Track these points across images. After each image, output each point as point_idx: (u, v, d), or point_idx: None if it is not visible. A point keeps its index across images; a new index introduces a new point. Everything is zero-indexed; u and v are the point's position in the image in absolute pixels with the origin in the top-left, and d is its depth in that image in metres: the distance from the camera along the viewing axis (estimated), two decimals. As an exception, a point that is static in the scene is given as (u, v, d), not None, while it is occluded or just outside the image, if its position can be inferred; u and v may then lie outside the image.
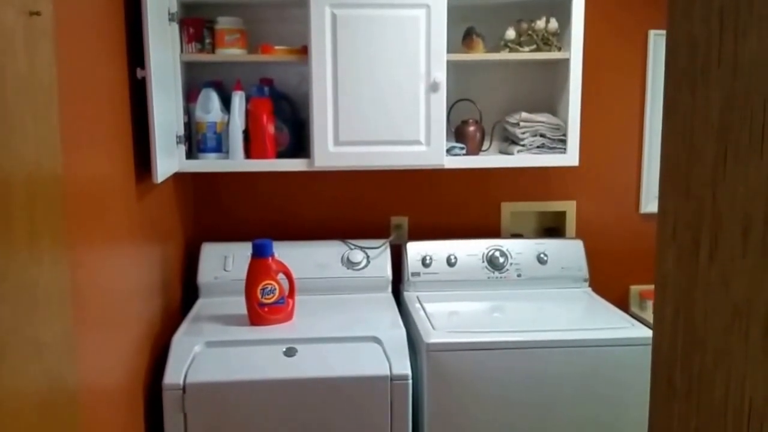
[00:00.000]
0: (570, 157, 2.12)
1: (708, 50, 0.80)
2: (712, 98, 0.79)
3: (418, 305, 2.05)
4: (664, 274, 0.93)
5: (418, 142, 2.04)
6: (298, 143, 2.16)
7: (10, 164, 0.83)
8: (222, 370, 1.70)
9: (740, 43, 0.74)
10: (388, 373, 1.71)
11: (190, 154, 2.05)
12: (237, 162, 2.02)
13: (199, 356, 1.73)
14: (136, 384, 1.63)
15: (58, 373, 0.97)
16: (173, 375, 1.68)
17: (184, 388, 1.66)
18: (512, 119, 2.17)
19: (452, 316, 2.04)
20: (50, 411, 0.94)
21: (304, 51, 2.01)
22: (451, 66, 2.06)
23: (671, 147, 0.89)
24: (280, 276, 1.90)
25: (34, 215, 0.89)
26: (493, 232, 2.40)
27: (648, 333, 1.79)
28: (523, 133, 2.13)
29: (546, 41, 2.10)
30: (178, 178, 2.07)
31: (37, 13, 0.92)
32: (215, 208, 2.34)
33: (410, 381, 1.72)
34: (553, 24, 2.09)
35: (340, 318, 1.96)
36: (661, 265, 0.94)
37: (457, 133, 2.18)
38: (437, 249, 2.22)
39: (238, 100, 2.01)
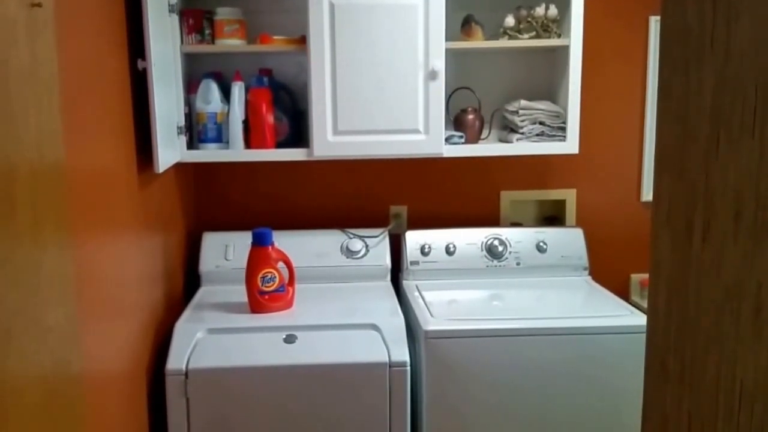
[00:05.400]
0: (570, 145, 2.13)
1: (701, 34, 0.81)
2: (705, 81, 0.80)
3: (417, 293, 2.07)
4: (658, 258, 0.94)
5: (416, 131, 2.05)
6: (298, 133, 2.17)
7: (13, 152, 0.84)
8: (223, 356, 1.72)
9: (733, 27, 0.75)
10: (386, 360, 1.73)
11: (190, 145, 2.06)
12: (237, 152, 2.03)
13: (201, 343, 1.75)
14: (140, 369, 1.65)
15: (63, 356, 0.99)
16: (176, 361, 1.70)
17: (186, 374, 1.68)
18: (511, 107, 2.17)
19: (451, 305, 2.05)
20: (55, 393, 0.96)
21: (302, 41, 2.01)
22: (450, 54, 2.06)
23: (665, 130, 0.90)
24: (280, 264, 1.92)
25: (36, 202, 0.91)
26: (493, 221, 2.41)
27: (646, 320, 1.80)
28: (523, 121, 2.13)
29: (545, 28, 2.10)
30: (179, 168, 2.09)
31: (38, 5, 0.93)
32: (216, 198, 2.36)
33: (408, 368, 1.74)
34: (553, 11, 2.09)
35: (339, 306, 1.97)
36: (655, 249, 0.95)
37: (456, 121, 2.19)
38: (436, 238, 2.23)
39: (237, 90, 2.02)
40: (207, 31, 2.02)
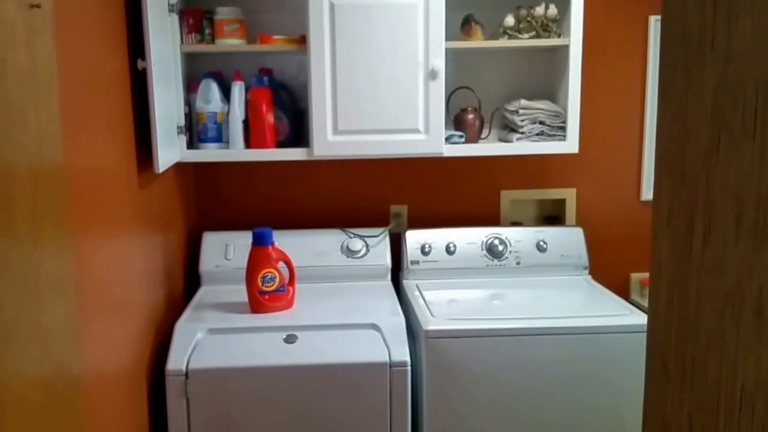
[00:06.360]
0: (570, 145, 2.13)
1: (702, 35, 0.80)
2: (706, 83, 0.80)
3: (417, 293, 2.07)
4: (658, 260, 0.94)
5: (417, 131, 2.04)
6: (298, 133, 2.17)
7: (12, 154, 0.84)
8: (224, 356, 1.72)
9: (733, 28, 0.75)
10: (387, 359, 1.73)
11: (190, 144, 2.06)
12: (237, 152, 2.03)
13: (202, 343, 1.75)
14: (140, 370, 1.65)
15: (62, 359, 0.99)
16: (176, 361, 1.70)
17: (186, 374, 1.68)
18: (511, 107, 2.17)
19: (451, 304, 2.05)
20: (54, 396, 0.96)
21: (302, 40, 2.01)
22: (450, 54, 2.06)
23: (666, 132, 0.90)
24: (281, 264, 1.92)
25: (36, 203, 0.91)
26: (493, 220, 2.41)
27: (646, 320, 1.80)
28: (523, 120, 2.13)
29: (545, 28, 2.10)
30: (180, 167, 2.09)
31: (37, 6, 0.92)
32: (216, 198, 2.36)
33: (409, 368, 1.74)
34: (553, 10, 2.09)
35: (339, 305, 1.97)
36: (655, 251, 0.94)
37: (456, 121, 2.19)
38: (436, 237, 2.23)
39: (237, 90, 2.01)
40: (207, 31, 2.02)
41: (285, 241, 2.03)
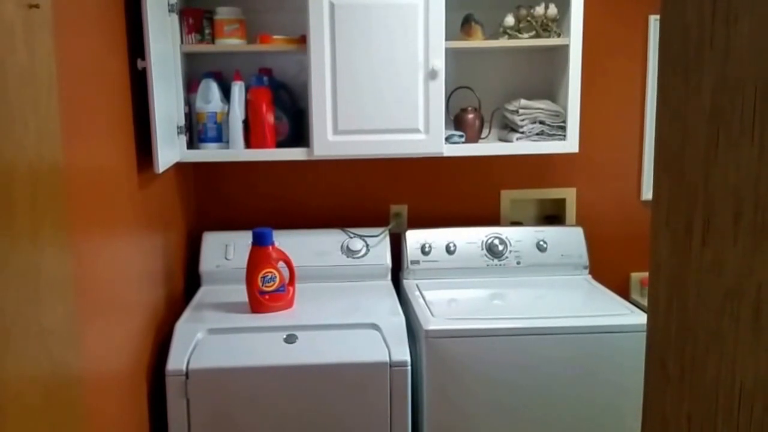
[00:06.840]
0: (570, 144, 2.13)
1: (700, 35, 0.80)
2: (705, 83, 0.80)
3: (417, 293, 2.07)
4: (658, 260, 0.94)
5: (417, 131, 2.05)
6: (298, 132, 2.17)
7: (12, 154, 0.84)
8: (224, 356, 1.72)
9: (732, 28, 0.75)
10: (387, 359, 1.73)
11: (190, 144, 2.06)
12: (237, 152, 2.03)
13: (202, 343, 1.75)
14: (140, 370, 1.65)
15: (62, 359, 0.99)
16: (176, 361, 1.70)
17: (187, 374, 1.68)
18: (511, 106, 2.17)
19: (451, 304, 2.05)
20: (54, 396, 0.96)
21: (302, 40, 2.01)
22: (450, 53, 2.06)
23: (665, 132, 0.90)
24: (281, 264, 1.92)
25: (35, 203, 0.91)
26: (493, 220, 2.41)
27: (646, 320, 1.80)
28: (523, 120, 2.13)
29: (545, 27, 2.10)
30: (180, 167, 2.09)
31: (36, 6, 0.93)
32: (216, 198, 2.36)
33: (409, 367, 1.74)
34: (553, 10, 2.09)
35: (339, 305, 1.97)
36: (655, 251, 0.94)
37: (456, 120, 2.19)
38: (436, 237, 2.23)
39: (237, 90, 2.02)
40: (207, 31, 2.02)
41: (285, 241, 2.03)
